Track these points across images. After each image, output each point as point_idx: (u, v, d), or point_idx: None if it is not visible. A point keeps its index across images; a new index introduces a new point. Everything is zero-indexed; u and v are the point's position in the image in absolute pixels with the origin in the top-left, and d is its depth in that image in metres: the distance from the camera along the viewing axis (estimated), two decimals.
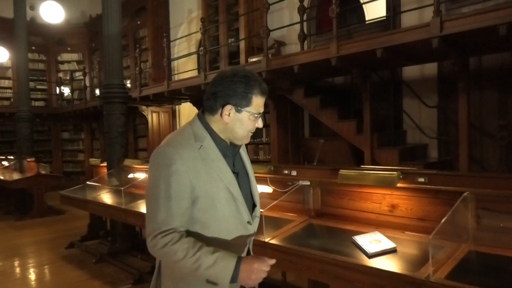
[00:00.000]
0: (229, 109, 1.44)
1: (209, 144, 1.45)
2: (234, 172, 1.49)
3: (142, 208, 4.17)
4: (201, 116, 1.50)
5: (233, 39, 7.97)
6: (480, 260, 2.05)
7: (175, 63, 9.68)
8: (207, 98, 1.47)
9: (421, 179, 2.41)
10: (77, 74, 12.29)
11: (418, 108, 5.78)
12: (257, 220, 1.57)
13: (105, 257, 5.22)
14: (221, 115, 1.45)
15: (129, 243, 5.49)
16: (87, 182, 5.47)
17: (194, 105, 8.58)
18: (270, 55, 6.06)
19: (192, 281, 1.43)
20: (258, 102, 1.45)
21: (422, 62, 5.46)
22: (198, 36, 8.03)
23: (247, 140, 1.52)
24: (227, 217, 1.45)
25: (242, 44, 7.53)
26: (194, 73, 8.89)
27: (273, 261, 1.40)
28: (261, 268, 1.36)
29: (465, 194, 2.16)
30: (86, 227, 6.36)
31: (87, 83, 11.53)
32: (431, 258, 1.87)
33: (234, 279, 1.34)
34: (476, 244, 2.13)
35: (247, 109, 1.44)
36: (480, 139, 5.28)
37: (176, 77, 9.30)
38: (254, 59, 6.57)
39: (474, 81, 5.05)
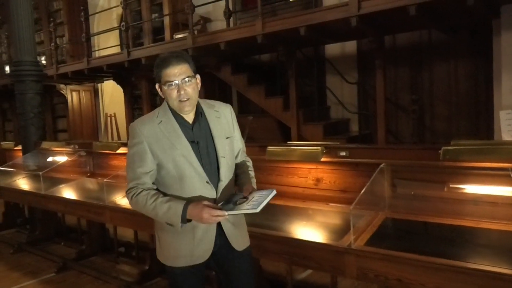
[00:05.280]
0: (157, 87, 1.79)
1: (169, 119, 1.78)
2: (192, 141, 1.77)
3: (64, 193, 3.97)
4: None
5: (156, 15, 7.67)
6: (395, 226, 2.24)
7: (95, 39, 9.12)
8: None
9: (343, 153, 2.55)
10: None
11: (340, 85, 6.04)
12: (222, 184, 1.81)
13: (24, 246, 4.91)
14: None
15: (51, 230, 5.21)
16: (0, 168, 5.07)
17: (117, 83, 8.20)
18: (196, 32, 5.94)
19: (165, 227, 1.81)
20: (165, 74, 1.72)
21: (343, 40, 5.68)
22: (120, 10, 7.60)
23: (185, 108, 1.75)
24: (188, 177, 1.75)
25: (166, 20, 7.27)
26: (117, 49, 8.46)
27: (224, 212, 1.66)
28: (207, 216, 1.65)
29: (381, 165, 2.32)
30: (0, 215, 5.93)
31: None
32: (352, 227, 2.00)
33: (184, 220, 1.69)
34: (392, 211, 2.32)
35: (162, 82, 1.74)
36: (395, 112, 5.68)
37: (97, 54, 8.79)
38: (179, 36, 6.40)
39: (389, 58, 5.37)
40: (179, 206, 1.69)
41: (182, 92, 1.71)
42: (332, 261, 2.02)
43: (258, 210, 1.61)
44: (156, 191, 1.78)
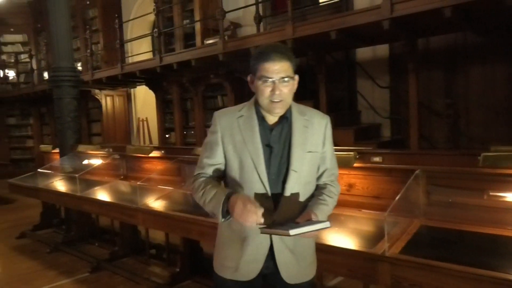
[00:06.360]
0: (249, 78, 1.62)
1: (251, 115, 1.62)
2: (267, 145, 1.59)
3: (99, 195, 4.08)
4: None
5: (188, 21, 7.80)
6: (431, 234, 2.17)
7: (128, 45, 9.36)
8: None
9: (376, 159, 2.51)
10: (23, 56, 11.60)
11: (371, 89, 5.95)
12: (284, 200, 1.58)
13: (60, 246, 5.06)
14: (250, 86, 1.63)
15: (85, 231, 5.35)
16: (39, 170, 5.26)
17: (150, 88, 8.38)
18: (226, 37, 5.99)
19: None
20: (263, 68, 1.54)
21: (374, 43, 5.60)
22: (152, 17, 7.78)
23: (276, 110, 1.57)
24: (249, 182, 1.58)
25: (197, 26, 7.39)
26: (149, 55, 8.66)
27: (259, 211, 1.43)
28: (241, 208, 1.43)
29: (416, 171, 2.26)
30: (38, 216, 6.12)
31: (34, 66, 10.94)
32: (386, 234, 1.96)
33: (224, 213, 1.51)
34: (427, 219, 2.25)
35: (257, 75, 1.56)
36: (428, 117, 5.53)
37: (130, 60, 9.01)
38: (210, 41, 6.48)
39: (422, 61, 5.24)
40: (223, 194, 1.53)
41: (277, 92, 1.53)
42: (365, 268, 1.98)
43: (291, 233, 1.40)
44: (212, 178, 1.64)
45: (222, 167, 1.65)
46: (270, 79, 1.53)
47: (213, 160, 1.64)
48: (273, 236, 1.57)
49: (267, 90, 1.54)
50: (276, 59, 1.53)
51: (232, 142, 1.60)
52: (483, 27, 4.77)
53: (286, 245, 1.59)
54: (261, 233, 1.52)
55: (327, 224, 1.45)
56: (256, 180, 1.57)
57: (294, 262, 1.62)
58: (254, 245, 1.59)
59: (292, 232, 1.40)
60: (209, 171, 1.65)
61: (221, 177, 1.69)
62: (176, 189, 3.66)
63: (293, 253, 1.61)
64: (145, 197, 3.51)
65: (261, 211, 1.43)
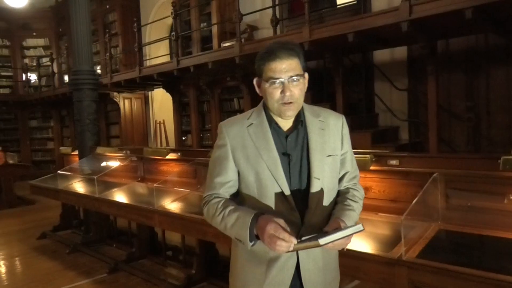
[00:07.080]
0: (255, 82, 1.49)
1: (262, 122, 1.47)
2: (284, 154, 1.45)
3: (116, 196, 4.13)
4: None
5: (205, 24, 7.86)
6: (449, 238, 2.14)
7: (146, 49, 9.49)
8: None
9: (393, 162, 2.47)
10: (44, 60, 11.87)
11: (389, 91, 5.88)
12: (310, 211, 1.43)
13: (79, 246, 5.14)
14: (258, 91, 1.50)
15: (103, 232, 5.42)
16: (59, 171, 5.35)
17: (167, 91, 8.47)
18: (243, 40, 6.02)
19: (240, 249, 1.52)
20: (269, 68, 1.40)
21: (393, 45, 5.54)
22: (170, 20, 7.87)
23: (287, 113, 1.42)
24: (270, 197, 1.42)
25: (214, 29, 7.44)
26: (166, 58, 8.75)
27: (292, 240, 1.27)
28: (271, 233, 1.27)
29: (434, 175, 2.23)
30: (58, 217, 6.24)
31: (55, 69, 11.18)
32: (403, 238, 1.93)
33: (252, 235, 1.34)
34: (446, 223, 2.21)
35: (263, 77, 1.42)
36: (448, 120, 5.44)
37: (148, 63, 9.13)
38: (227, 44, 6.51)
39: (442, 64, 5.17)
40: (248, 216, 1.35)
41: (287, 94, 1.38)
42: (382, 272, 1.95)
43: (320, 243, 1.26)
44: (229, 200, 1.47)
45: (235, 184, 1.49)
46: (278, 80, 1.38)
47: (225, 177, 1.48)
48: (300, 253, 1.42)
49: (277, 93, 1.40)
50: (283, 56, 1.38)
51: (244, 154, 1.45)
52: (505, 28, 4.68)
53: (315, 261, 1.45)
54: (287, 251, 1.34)
55: (360, 227, 1.29)
56: (278, 193, 1.41)
57: (321, 279, 1.48)
58: (280, 266, 1.43)
59: (322, 241, 1.26)
60: (222, 191, 1.48)
61: (236, 195, 1.52)
62: (192, 191, 3.69)
63: (319, 269, 1.47)
64: (161, 199, 3.54)
65: (294, 240, 1.27)
